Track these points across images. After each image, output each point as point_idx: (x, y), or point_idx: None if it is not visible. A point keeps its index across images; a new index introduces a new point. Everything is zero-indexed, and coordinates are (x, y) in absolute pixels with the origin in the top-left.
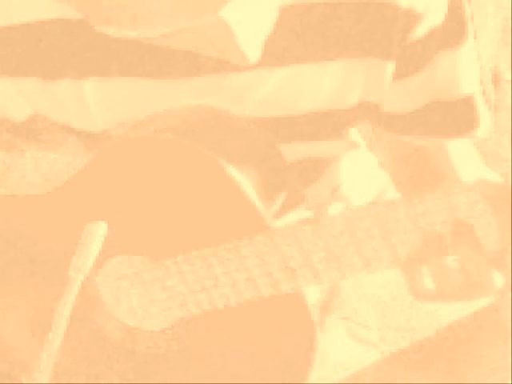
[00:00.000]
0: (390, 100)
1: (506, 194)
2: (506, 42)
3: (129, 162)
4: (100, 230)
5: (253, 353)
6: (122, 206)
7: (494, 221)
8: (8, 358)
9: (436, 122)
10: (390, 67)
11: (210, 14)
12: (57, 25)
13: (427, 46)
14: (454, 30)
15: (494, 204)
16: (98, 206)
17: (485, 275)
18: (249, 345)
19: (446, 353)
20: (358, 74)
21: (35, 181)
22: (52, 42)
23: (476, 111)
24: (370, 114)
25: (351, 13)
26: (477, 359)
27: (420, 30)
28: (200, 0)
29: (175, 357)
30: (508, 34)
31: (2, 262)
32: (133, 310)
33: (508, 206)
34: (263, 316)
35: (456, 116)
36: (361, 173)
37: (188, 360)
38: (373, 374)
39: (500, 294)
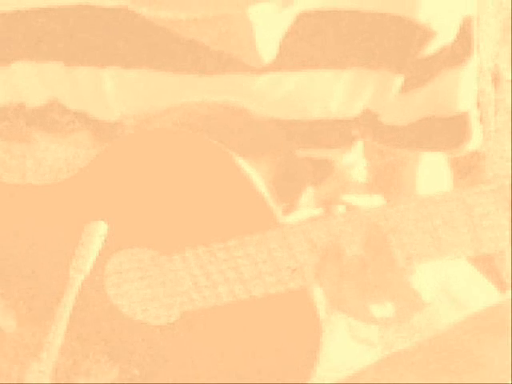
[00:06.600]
0: (387, 112)
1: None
2: (506, 42)
3: (140, 155)
4: (100, 229)
5: (258, 350)
6: (132, 199)
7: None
8: (8, 358)
9: (428, 136)
10: (399, 80)
11: (240, 8)
12: (81, 11)
13: (435, 62)
14: (461, 50)
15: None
16: (108, 198)
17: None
18: (254, 342)
19: (446, 353)
20: (367, 84)
21: (42, 172)
22: (75, 27)
23: (469, 126)
24: (367, 123)
25: (369, 23)
26: (477, 359)
27: (431, 47)
28: None
29: (178, 353)
30: (508, 33)
31: (2, 261)
32: (138, 304)
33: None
34: (270, 313)
35: (448, 131)
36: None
37: (192, 356)
38: (373, 374)
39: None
